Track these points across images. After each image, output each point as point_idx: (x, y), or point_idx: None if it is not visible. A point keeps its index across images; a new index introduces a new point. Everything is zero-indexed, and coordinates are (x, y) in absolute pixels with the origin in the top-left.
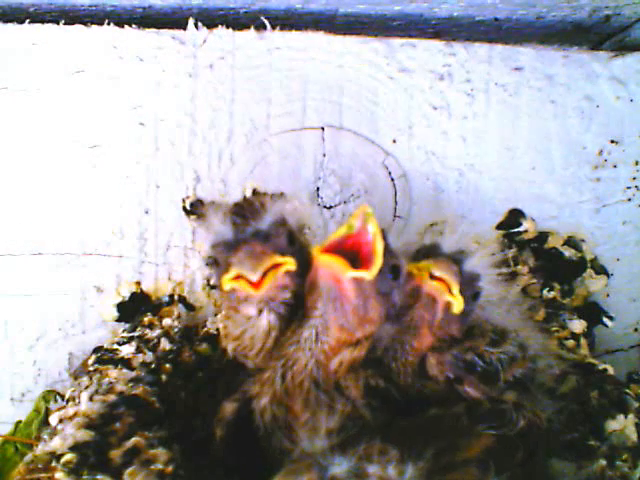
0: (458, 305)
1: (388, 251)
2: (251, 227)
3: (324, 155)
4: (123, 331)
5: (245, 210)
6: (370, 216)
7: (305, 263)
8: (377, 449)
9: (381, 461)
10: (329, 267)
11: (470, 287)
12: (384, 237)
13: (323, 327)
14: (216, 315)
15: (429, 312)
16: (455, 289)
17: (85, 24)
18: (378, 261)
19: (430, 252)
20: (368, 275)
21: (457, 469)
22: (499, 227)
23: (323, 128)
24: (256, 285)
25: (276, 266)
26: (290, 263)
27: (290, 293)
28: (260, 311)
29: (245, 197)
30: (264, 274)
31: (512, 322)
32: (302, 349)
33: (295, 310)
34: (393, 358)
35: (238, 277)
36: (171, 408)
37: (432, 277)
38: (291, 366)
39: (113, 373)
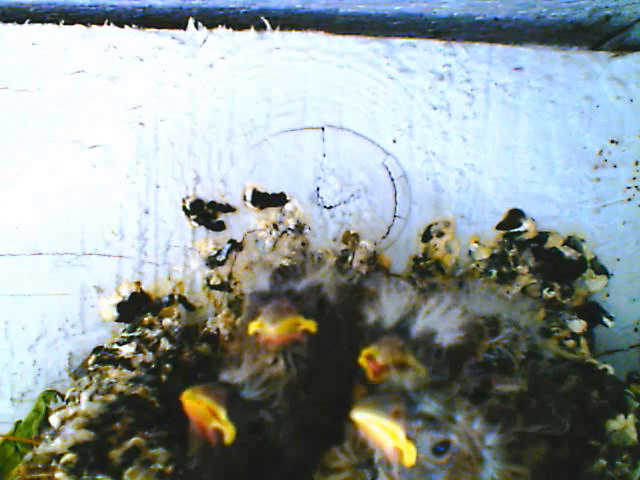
0: (409, 455)
1: (245, 407)
2: (286, 286)
3: (324, 155)
4: (123, 331)
5: (288, 272)
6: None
7: (332, 328)
8: (465, 405)
9: (469, 415)
10: (197, 410)
11: (428, 347)
12: (232, 396)
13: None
14: (216, 315)
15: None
16: (401, 436)
17: (85, 24)
18: (229, 435)
19: (374, 333)
20: (227, 438)
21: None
22: (499, 227)
23: (323, 128)
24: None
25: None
26: (310, 325)
27: (304, 350)
28: (276, 360)
29: (293, 264)
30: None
31: (492, 308)
32: None
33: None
34: None
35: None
36: (171, 408)
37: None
38: None
39: (113, 373)
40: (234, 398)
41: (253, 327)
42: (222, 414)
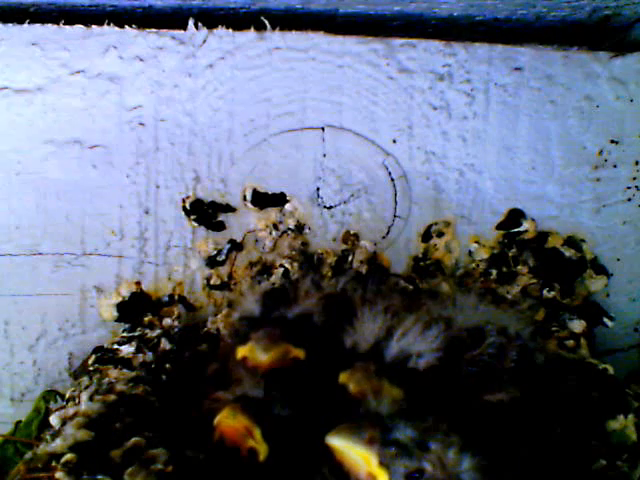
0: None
1: (278, 424)
2: (278, 312)
3: (324, 155)
4: (123, 331)
5: (279, 297)
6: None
7: (322, 356)
8: (442, 430)
9: (444, 442)
10: (235, 429)
11: (403, 370)
12: (267, 414)
13: None
14: (216, 315)
15: None
16: (375, 462)
17: (85, 24)
18: (263, 453)
19: (350, 356)
20: (260, 457)
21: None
22: (499, 227)
23: (323, 128)
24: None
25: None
26: (299, 353)
27: (293, 377)
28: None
29: (283, 285)
30: None
31: (480, 318)
32: None
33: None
34: None
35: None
36: (171, 408)
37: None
38: None
39: (113, 373)
40: (268, 416)
41: (243, 352)
42: (258, 433)
